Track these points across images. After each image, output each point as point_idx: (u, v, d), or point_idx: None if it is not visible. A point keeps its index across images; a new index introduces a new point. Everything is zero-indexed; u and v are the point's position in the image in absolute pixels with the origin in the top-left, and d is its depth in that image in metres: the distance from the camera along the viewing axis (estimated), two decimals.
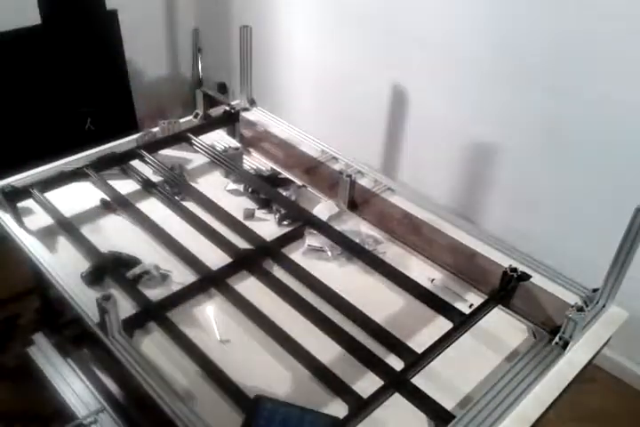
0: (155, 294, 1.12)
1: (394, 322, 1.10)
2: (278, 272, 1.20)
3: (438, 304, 1.13)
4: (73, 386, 1.23)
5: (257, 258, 1.22)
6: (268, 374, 1.00)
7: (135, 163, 1.49)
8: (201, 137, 1.59)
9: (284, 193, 1.42)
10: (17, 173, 1.41)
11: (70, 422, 1.13)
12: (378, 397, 0.92)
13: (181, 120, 1.70)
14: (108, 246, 1.21)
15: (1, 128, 2.12)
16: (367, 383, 0.97)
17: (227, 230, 1.29)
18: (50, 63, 2.15)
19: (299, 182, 1.48)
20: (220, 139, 1.65)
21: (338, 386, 0.96)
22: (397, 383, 0.95)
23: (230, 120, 1.66)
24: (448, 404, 0.94)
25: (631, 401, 1.76)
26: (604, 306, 1.12)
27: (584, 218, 1.73)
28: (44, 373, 1.26)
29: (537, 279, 1.16)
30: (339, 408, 0.93)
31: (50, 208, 1.29)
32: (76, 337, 1.34)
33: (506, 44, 1.69)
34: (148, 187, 1.42)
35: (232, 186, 1.45)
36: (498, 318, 1.12)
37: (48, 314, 1.62)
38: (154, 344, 1.04)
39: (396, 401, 0.94)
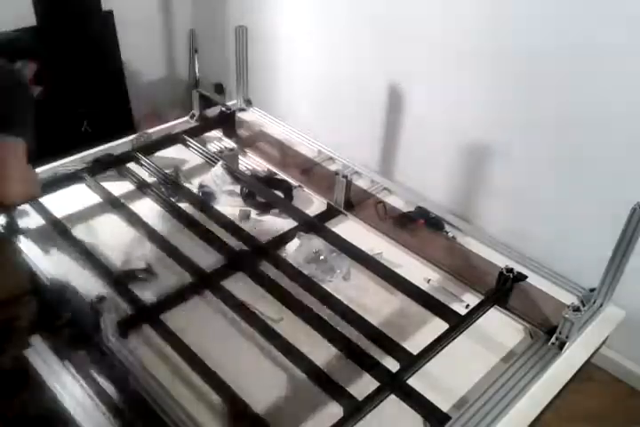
0: (149, 295, 1.12)
1: (389, 323, 1.09)
2: (273, 274, 1.19)
3: (434, 305, 1.12)
4: (70, 389, 1.22)
5: (252, 259, 1.22)
6: (262, 375, 0.99)
7: (131, 165, 1.48)
8: (197, 138, 1.59)
9: (280, 194, 1.41)
10: None
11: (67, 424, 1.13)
12: (373, 398, 0.92)
13: (177, 121, 1.70)
14: (102, 249, 1.21)
15: None
16: (363, 385, 0.96)
17: (222, 232, 1.29)
18: (46, 65, 2.15)
19: (295, 183, 1.47)
20: (215, 140, 1.65)
21: (333, 388, 0.96)
22: (393, 385, 0.95)
23: (226, 121, 1.65)
24: (444, 405, 0.94)
25: (630, 401, 1.75)
26: (600, 306, 1.11)
27: (581, 217, 1.72)
28: (41, 375, 1.26)
29: (533, 279, 1.16)
30: (334, 410, 0.93)
31: (44, 211, 1.28)
32: (72, 340, 1.33)
33: (507, 43, 1.68)
34: (143, 188, 1.42)
35: (228, 187, 1.44)
36: (494, 318, 1.12)
37: (45, 316, 1.61)
38: (148, 346, 1.03)
39: (392, 403, 0.94)
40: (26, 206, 1.31)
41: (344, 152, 1.56)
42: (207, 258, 1.21)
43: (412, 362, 0.98)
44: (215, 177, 1.41)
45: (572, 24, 1.52)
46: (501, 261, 1.19)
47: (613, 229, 1.02)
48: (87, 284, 1.14)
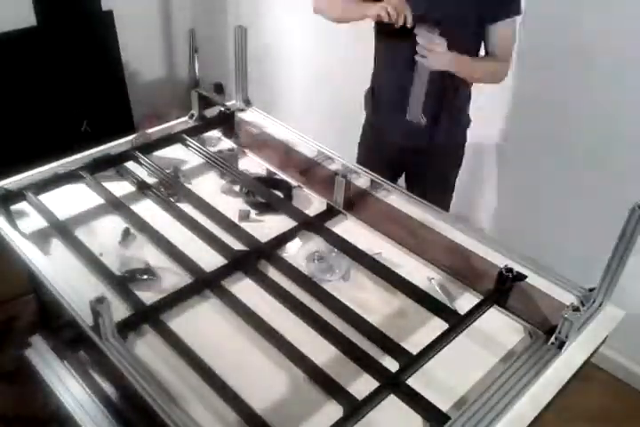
0: (149, 296, 1.12)
1: (389, 323, 1.09)
2: (273, 274, 1.19)
3: (433, 305, 1.12)
4: (70, 389, 1.22)
5: (252, 259, 1.22)
6: (262, 375, 0.99)
7: (130, 164, 1.48)
8: (196, 138, 1.59)
9: (280, 194, 1.41)
10: (13, 174, 1.41)
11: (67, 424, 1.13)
12: (373, 398, 0.92)
13: (177, 121, 1.70)
14: (101, 248, 1.21)
15: None
16: (362, 385, 0.96)
17: (222, 232, 1.29)
18: (46, 65, 2.15)
19: (294, 183, 1.48)
20: (215, 140, 1.65)
21: (333, 388, 0.96)
22: (392, 385, 0.95)
23: (225, 121, 1.65)
24: (443, 405, 0.94)
25: (630, 401, 1.75)
26: (600, 305, 1.11)
27: (581, 217, 1.72)
28: (41, 375, 1.26)
29: (533, 279, 1.16)
30: (334, 410, 0.93)
31: (44, 211, 1.28)
32: (72, 340, 1.33)
33: None
34: (142, 188, 1.42)
35: (227, 187, 1.45)
36: (493, 318, 1.12)
37: (45, 316, 1.62)
38: (148, 347, 1.03)
39: (392, 403, 0.94)
40: (25, 206, 1.31)
41: (344, 152, 1.56)
42: (207, 258, 1.21)
43: (412, 362, 0.98)
44: None
45: (571, 23, 1.52)
46: (501, 261, 1.19)
47: (613, 229, 1.01)
48: (86, 284, 1.14)
